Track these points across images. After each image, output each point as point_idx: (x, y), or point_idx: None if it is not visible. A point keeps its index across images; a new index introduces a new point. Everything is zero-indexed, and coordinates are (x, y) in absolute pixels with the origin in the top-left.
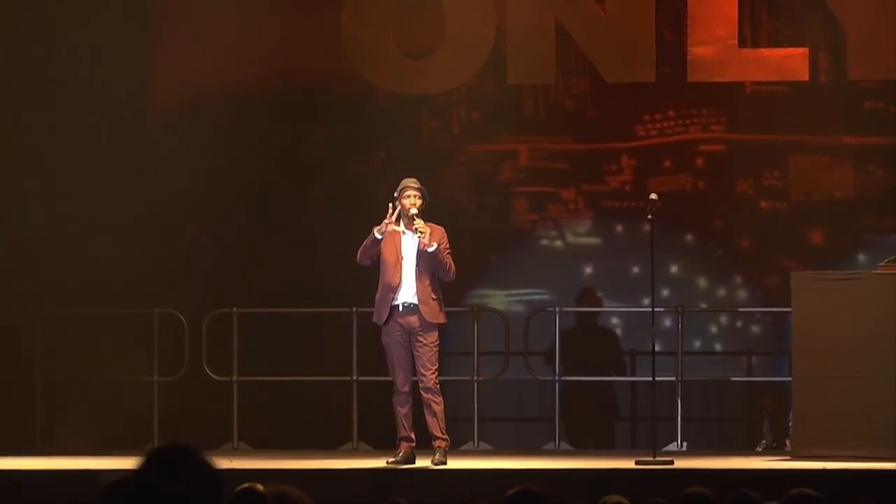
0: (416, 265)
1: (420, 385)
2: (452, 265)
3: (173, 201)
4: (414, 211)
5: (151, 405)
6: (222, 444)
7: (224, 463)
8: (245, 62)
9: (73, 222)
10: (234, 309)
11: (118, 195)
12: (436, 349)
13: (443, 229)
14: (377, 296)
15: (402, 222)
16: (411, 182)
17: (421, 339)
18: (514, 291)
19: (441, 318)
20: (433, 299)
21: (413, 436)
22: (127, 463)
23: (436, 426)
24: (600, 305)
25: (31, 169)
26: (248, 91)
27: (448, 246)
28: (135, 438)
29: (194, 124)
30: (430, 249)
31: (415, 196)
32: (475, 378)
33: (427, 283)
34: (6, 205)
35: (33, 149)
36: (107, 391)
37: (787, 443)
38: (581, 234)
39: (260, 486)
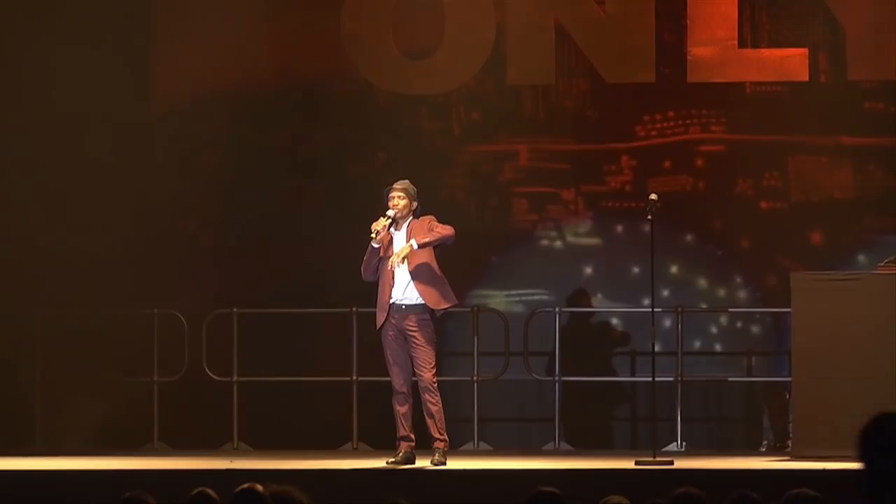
0: (409, 264)
1: (419, 385)
2: (444, 231)
3: (173, 201)
4: (390, 213)
5: (151, 405)
6: (222, 444)
7: (224, 463)
8: (245, 62)
9: (72, 222)
10: (235, 309)
11: (118, 195)
12: (430, 348)
13: (430, 217)
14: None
15: (392, 226)
16: (397, 184)
17: (415, 340)
18: (514, 292)
19: (445, 303)
20: (433, 285)
21: (413, 435)
22: (126, 463)
23: (434, 426)
24: (591, 307)
25: (30, 169)
26: (248, 91)
27: (435, 224)
28: (135, 438)
29: (194, 124)
30: (416, 247)
31: (398, 197)
32: (475, 378)
33: (423, 273)
34: (5, 204)
35: (33, 149)
36: (107, 391)
37: (789, 443)
38: (581, 235)
39: (260, 487)
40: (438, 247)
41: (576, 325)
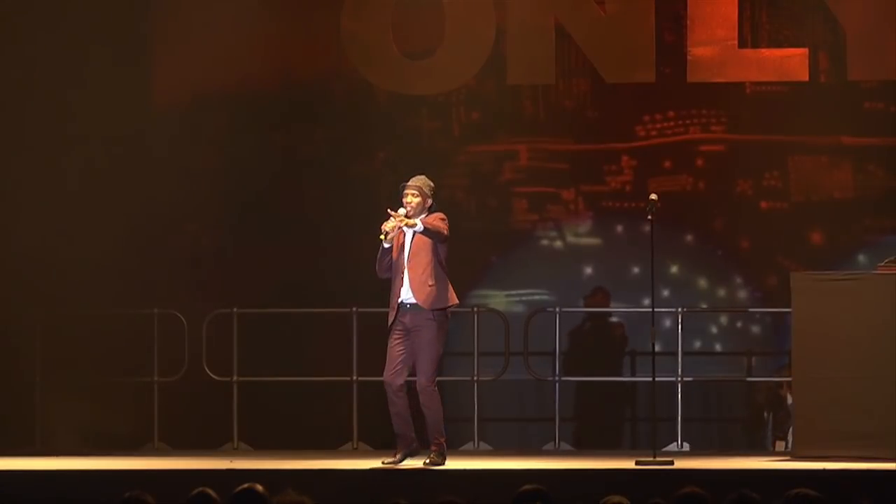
0: (408, 259)
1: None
2: (443, 225)
3: (173, 201)
4: (402, 211)
5: (151, 405)
6: (222, 444)
7: (224, 463)
8: (245, 62)
9: (72, 222)
10: (234, 309)
11: (118, 195)
12: (431, 351)
13: (440, 214)
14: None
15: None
16: (412, 181)
17: (419, 339)
18: (514, 292)
19: (439, 303)
20: (430, 285)
21: (410, 434)
22: (126, 463)
23: (429, 429)
24: (608, 304)
25: (30, 169)
26: (248, 91)
27: (442, 218)
28: (135, 438)
29: (194, 125)
30: (417, 229)
31: (411, 195)
32: (475, 378)
33: (420, 271)
34: (6, 205)
35: (33, 149)
36: (107, 391)
37: (787, 437)
38: (581, 235)
39: (259, 487)
40: (439, 246)
41: (576, 324)
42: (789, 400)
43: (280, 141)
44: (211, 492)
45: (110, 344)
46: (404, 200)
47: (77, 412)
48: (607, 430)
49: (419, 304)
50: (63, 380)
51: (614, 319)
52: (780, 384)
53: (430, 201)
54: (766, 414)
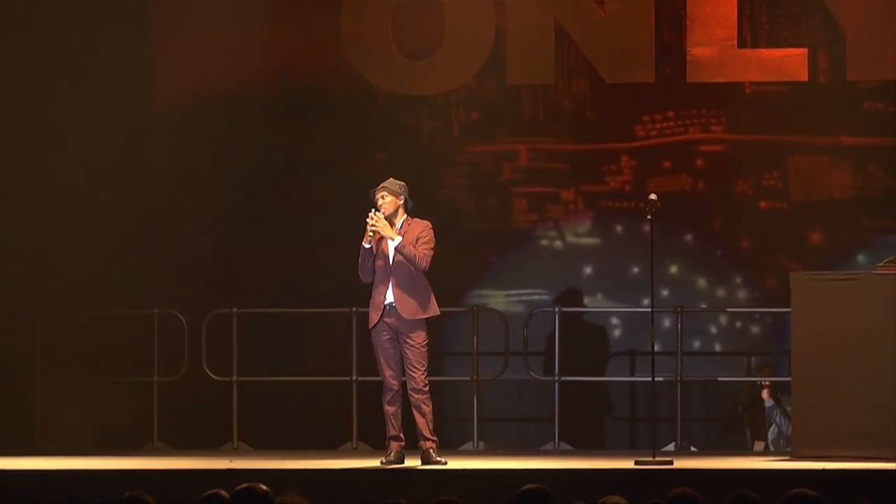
0: (393, 267)
1: (409, 386)
2: (421, 255)
3: (173, 201)
4: (380, 214)
5: (151, 405)
6: (222, 444)
7: (224, 463)
8: (245, 62)
9: (72, 222)
10: (234, 309)
11: (118, 195)
12: (423, 349)
13: (427, 223)
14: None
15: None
16: (385, 183)
17: (408, 341)
18: (513, 292)
19: (421, 314)
20: (412, 296)
21: (403, 435)
22: (126, 463)
23: (425, 426)
24: (584, 307)
25: (30, 168)
26: (248, 91)
27: (429, 239)
28: (134, 438)
29: (194, 125)
30: (394, 243)
31: (381, 197)
32: (475, 378)
33: (404, 281)
34: (5, 204)
35: (33, 148)
36: (107, 391)
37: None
38: (581, 235)
39: (263, 487)
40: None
41: (575, 324)
42: (767, 401)
43: (280, 141)
44: (224, 493)
45: (110, 344)
46: (378, 204)
47: (77, 412)
48: (606, 430)
49: (402, 314)
50: (63, 380)
51: (605, 320)
52: (759, 384)
53: (402, 198)
54: (740, 412)
